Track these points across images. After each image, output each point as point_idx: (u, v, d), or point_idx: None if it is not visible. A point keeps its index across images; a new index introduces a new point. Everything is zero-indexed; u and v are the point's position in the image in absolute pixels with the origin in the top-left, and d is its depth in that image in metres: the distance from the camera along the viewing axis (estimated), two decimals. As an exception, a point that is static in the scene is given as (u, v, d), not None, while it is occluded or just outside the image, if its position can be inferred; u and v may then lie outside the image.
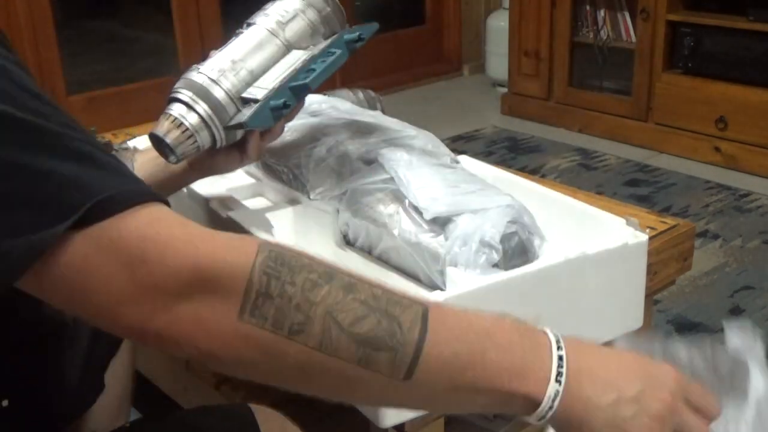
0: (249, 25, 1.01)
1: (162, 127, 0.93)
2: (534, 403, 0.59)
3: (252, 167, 1.22)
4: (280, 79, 0.96)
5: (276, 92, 0.94)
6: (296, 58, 0.98)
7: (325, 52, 0.98)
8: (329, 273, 0.57)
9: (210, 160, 1.00)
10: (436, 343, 0.57)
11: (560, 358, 0.60)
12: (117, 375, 1.16)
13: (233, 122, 0.94)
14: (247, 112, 0.93)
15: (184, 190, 1.17)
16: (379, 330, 0.56)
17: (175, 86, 0.94)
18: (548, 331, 0.62)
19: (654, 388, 0.61)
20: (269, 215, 1.08)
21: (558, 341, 0.61)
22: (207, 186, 1.18)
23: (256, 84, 0.96)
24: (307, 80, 0.95)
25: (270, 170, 1.17)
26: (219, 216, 1.08)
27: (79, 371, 0.96)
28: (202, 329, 0.55)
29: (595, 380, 0.61)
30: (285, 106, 0.94)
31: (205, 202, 1.12)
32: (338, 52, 0.98)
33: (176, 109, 0.93)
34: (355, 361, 0.56)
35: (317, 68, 0.96)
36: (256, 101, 0.94)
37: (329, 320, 0.55)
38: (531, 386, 0.59)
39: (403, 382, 0.57)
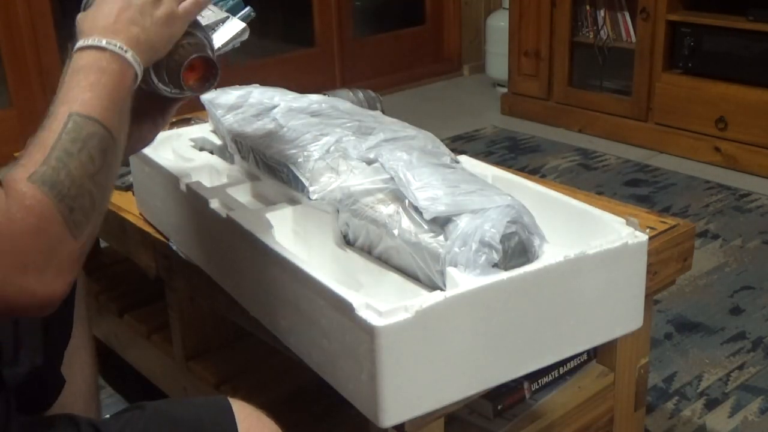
0: None
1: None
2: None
3: (252, 167, 1.22)
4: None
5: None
6: None
7: None
8: (66, 159, 0.74)
9: (137, 131, 0.99)
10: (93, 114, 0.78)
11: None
12: (77, 370, 1.17)
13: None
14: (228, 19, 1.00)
15: (184, 190, 1.17)
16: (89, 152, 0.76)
17: None
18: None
19: None
20: (269, 215, 1.08)
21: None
22: (207, 186, 1.18)
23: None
24: None
25: (270, 170, 1.17)
26: (219, 216, 1.08)
27: (37, 363, 0.98)
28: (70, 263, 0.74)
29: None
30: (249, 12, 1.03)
31: (206, 202, 1.11)
32: None
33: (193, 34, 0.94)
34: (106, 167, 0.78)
35: None
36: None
37: (88, 181, 0.75)
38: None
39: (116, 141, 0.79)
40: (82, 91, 0.78)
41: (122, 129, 0.81)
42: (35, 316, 0.76)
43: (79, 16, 0.86)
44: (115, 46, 0.81)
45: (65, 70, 0.81)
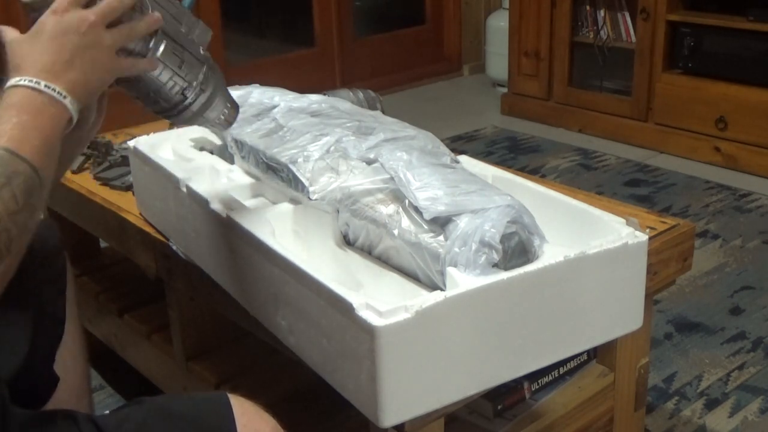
0: None
1: None
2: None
3: (252, 167, 1.22)
4: None
5: None
6: None
7: None
8: None
9: (78, 131, 0.95)
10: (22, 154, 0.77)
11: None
12: (69, 367, 1.17)
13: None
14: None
15: (184, 190, 1.17)
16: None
17: None
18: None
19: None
20: (269, 215, 1.08)
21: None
22: (207, 186, 1.18)
23: None
24: None
25: (270, 170, 1.17)
26: (219, 216, 1.08)
27: (28, 363, 0.97)
28: None
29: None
30: None
31: (206, 202, 1.11)
32: None
33: None
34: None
35: None
36: None
37: (7, 219, 0.74)
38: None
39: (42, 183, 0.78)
40: (14, 128, 0.76)
41: (50, 172, 0.79)
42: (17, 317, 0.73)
43: (14, 40, 0.83)
44: (54, 90, 0.80)
45: None
